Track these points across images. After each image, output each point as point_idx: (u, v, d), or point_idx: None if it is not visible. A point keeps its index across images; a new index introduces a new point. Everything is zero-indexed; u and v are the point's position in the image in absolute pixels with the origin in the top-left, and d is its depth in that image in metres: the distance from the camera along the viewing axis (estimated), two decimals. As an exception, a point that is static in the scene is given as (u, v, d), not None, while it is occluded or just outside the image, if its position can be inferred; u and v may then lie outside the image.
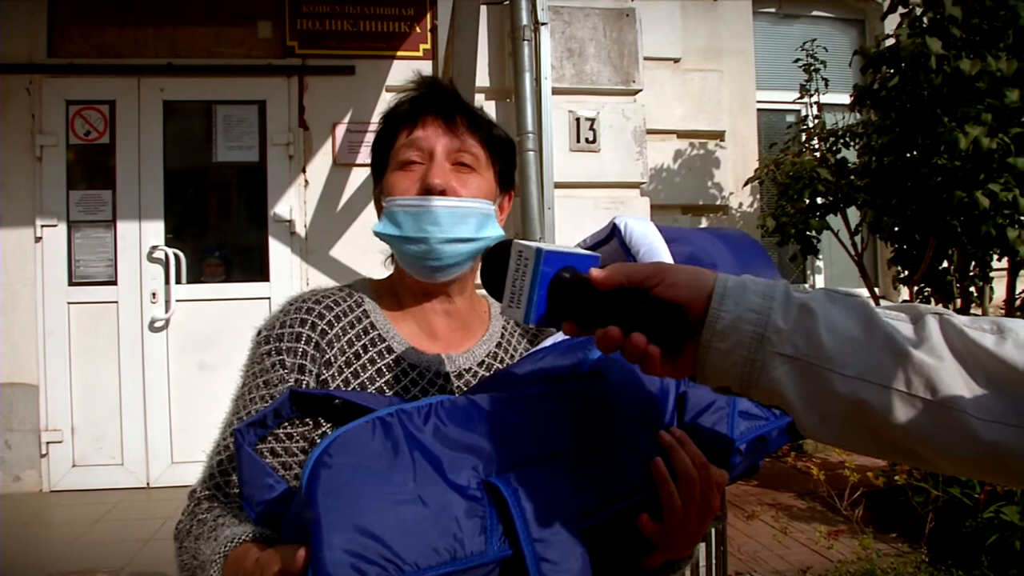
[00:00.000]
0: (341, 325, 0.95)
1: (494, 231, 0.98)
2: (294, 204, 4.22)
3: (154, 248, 4.13)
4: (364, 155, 4.22)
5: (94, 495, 4.08)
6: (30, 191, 4.09)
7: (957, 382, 0.60)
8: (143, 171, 4.16)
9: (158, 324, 4.12)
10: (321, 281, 4.03)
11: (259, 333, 0.97)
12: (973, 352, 0.61)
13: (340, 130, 4.23)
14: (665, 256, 0.90)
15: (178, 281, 4.13)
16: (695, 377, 0.70)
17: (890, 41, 3.59)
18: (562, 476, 0.76)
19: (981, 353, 0.61)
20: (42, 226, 4.10)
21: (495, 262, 0.75)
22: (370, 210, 4.22)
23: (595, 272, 0.71)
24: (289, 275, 4.19)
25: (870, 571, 3.12)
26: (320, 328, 0.94)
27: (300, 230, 4.22)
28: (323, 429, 0.88)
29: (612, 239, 0.94)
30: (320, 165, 4.24)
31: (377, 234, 0.97)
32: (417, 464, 0.70)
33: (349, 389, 0.91)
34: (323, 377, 0.92)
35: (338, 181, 4.23)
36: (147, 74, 4.18)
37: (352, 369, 0.92)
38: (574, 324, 0.72)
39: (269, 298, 4.11)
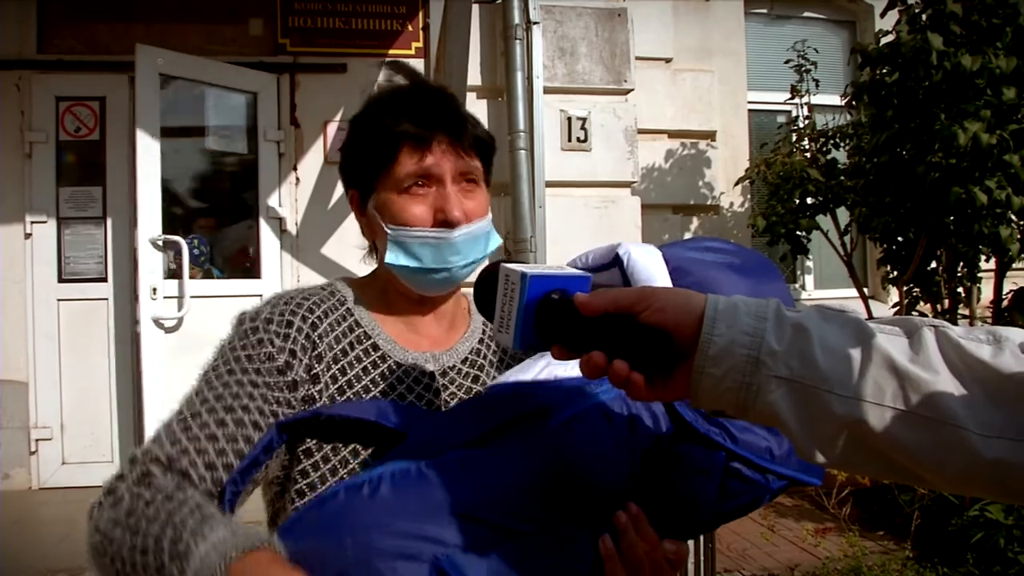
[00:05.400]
0: (328, 321, 0.93)
1: (496, 241, 0.99)
2: (285, 202, 4.22)
3: (152, 241, 4.01)
4: (356, 153, 4.21)
5: (84, 493, 4.04)
6: (19, 188, 4.07)
7: (955, 397, 0.59)
8: (140, 167, 4.02)
9: (152, 320, 4.04)
10: (313, 279, 4.02)
11: (242, 316, 0.94)
12: (970, 365, 0.60)
13: (331, 128, 4.22)
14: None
15: (170, 277, 4.10)
16: (689, 401, 0.69)
17: (888, 38, 3.60)
18: (519, 556, 0.75)
19: (978, 365, 0.59)
20: (32, 223, 4.08)
21: (486, 287, 0.75)
22: (361, 208, 4.22)
23: (580, 297, 0.69)
24: (280, 273, 4.18)
25: (857, 568, 3.15)
26: (311, 321, 0.92)
27: (291, 228, 4.22)
28: (313, 460, 0.87)
29: (615, 266, 0.92)
30: (311, 163, 4.24)
31: (389, 265, 0.94)
32: (355, 548, 0.72)
33: (336, 386, 0.90)
34: (315, 370, 0.89)
35: (329, 179, 4.23)
36: (138, 71, 4.16)
37: (339, 366, 0.91)
38: (562, 348, 0.70)
39: (260, 295, 4.08)
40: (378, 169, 0.94)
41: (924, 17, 3.45)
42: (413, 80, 1.00)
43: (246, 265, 4.31)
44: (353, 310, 0.97)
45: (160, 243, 3.68)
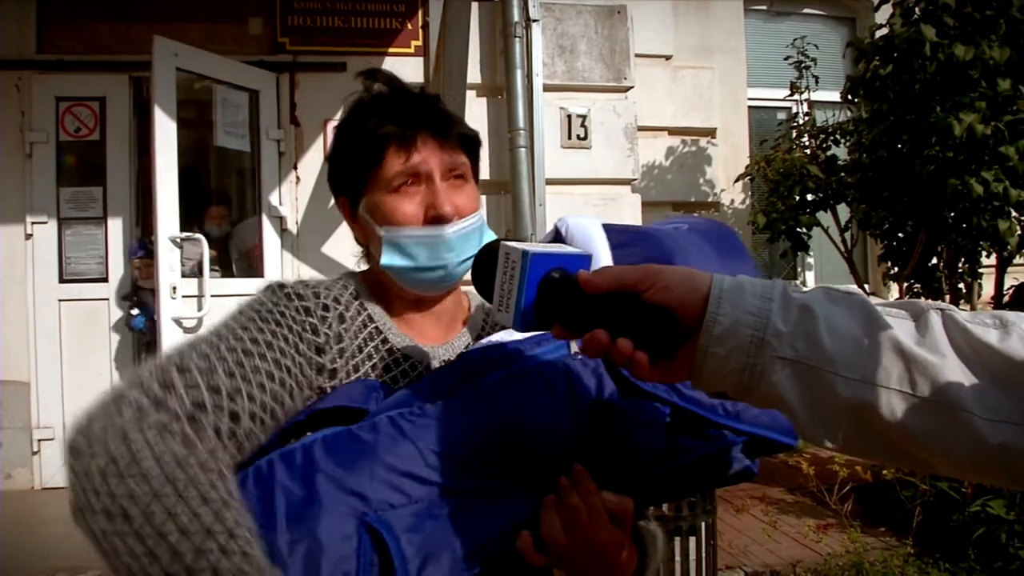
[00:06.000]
0: (349, 315, 0.93)
1: (489, 236, 0.98)
2: (286, 200, 4.22)
3: (171, 239, 3.75)
4: (356, 152, 4.21)
5: (86, 492, 4.06)
6: (20, 188, 4.07)
7: (961, 381, 0.58)
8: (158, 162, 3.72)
9: (172, 320, 3.74)
10: (313, 278, 4.01)
11: (280, 283, 0.91)
12: (977, 349, 0.59)
13: (332, 127, 4.22)
14: (604, 256, 0.88)
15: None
16: (691, 382, 0.68)
17: (883, 31, 3.60)
18: (451, 512, 0.75)
19: (985, 350, 0.59)
20: (32, 223, 4.08)
21: (485, 265, 0.74)
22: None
23: (583, 274, 0.68)
24: (280, 271, 4.17)
25: (858, 564, 3.15)
26: (339, 312, 0.92)
27: (292, 227, 4.22)
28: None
29: (556, 242, 0.92)
30: (311, 162, 4.24)
31: (385, 267, 0.93)
32: (288, 512, 0.71)
33: (348, 382, 0.89)
34: (335, 365, 0.88)
35: (330, 178, 4.23)
36: (137, 71, 4.17)
37: (354, 363, 0.91)
38: (563, 327, 0.70)
39: (263, 295, 4.07)
40: (365, 172, 0.94)
41: (918, 10, 3.45)
42: (392, 85, 0.98)
43: (248, 264, 4.30)
44: (366, 305, 0.97)
45: (179, 240, 3.58)
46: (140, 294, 4.10)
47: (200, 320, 3.65)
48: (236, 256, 4.34)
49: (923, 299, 4.09)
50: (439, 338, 1.00)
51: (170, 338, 3.50)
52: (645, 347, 0.66)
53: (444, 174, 0.93)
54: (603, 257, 0.88)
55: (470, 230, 0.94)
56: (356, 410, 0.83)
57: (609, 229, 0.93)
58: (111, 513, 0.63)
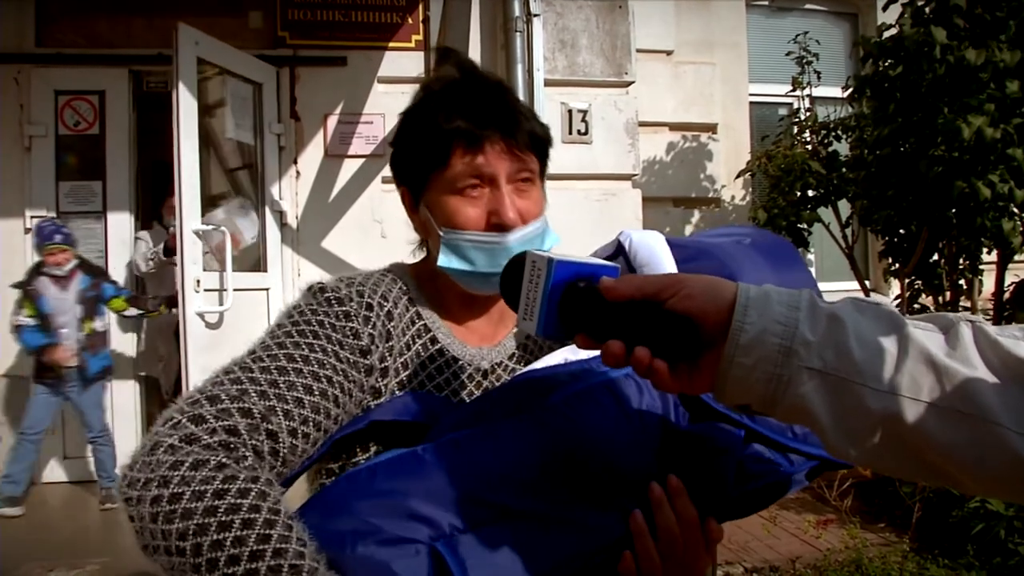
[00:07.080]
0: (398, 311, 0.91)
1: (553, 239, 0.95)
2: (286, 195, 4.21)
3: (195, 232, 3.60)
4: (356, 147, 4.21)
5: (85, 487, 4.08)
6: (19, 182, 4.07)
7: (993, 394, 0.57)
8: (183, 154, 3.55)
9: (197, 315, 3.58)
10: (313, 273, 4.01)
11: (320, 285, 0.87)
12: (1007, 362, 0.58)
13: (332, 121, 4.21)
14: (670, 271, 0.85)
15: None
16: (714, 393, 0.66)
17: (891, 31, 3.59)
18: (519, 536, 0.73)
19: (1015, 363, 0.57)
20: (32, 217, 4.07)
21: (512, 274, 0.73)
22: (362, 202, 4.22)
23: (606, 281, 0.67)
24: (280, 266, 4.16)
25: (858, 560, 3.16)
26: (387, 309, 0.89)
27: (292, 221, 4.21)
28: (365, 455, 0.85)
29: (619, 256, 0.90)
30: (311, 157, 4.23)
31: (442, 268, 0.91)
32: (355, 537, 0.71)
33: (397, 380, 0.88)
34: (386, 363, 0.87)
35: (329, 172, 4.22)
36: (137, 64, 4.16)
37: (403, 360, 0.89)
38: (586, 337, 0.68)
39: (268, 289, 4.06)
40: (430, 169, 0.91)
41: (927, 10, 3.43)
42: (465, 70, 0.93)
43: (254, 258, 4.27)
44: (415, 301, 0.95)
45: (202, 233, 3.50)
46: (38, 283, 3.75)
47: (221, 315, 3.57)
48: (204, 250, 4.21)
49: (923, 297, 4.07)
50: (488, 337, 0.98)
51: (194, 332, 3.42)
52: (666, 356, 0.64)
53: (510, 177, 0.89)
54: (667, 269, 0.86)
55: (532, 236, 0.91)
56: (416, 424, 0.82)
57: (672, 244, 0.91)
58: (169, 550, 0.66)
